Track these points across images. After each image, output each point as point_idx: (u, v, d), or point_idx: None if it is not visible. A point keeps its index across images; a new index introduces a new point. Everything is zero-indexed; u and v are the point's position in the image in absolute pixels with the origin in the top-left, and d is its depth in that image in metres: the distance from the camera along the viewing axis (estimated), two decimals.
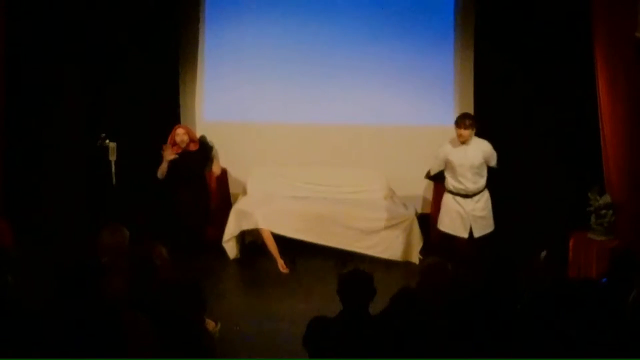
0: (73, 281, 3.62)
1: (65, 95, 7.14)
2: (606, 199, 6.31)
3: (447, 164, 6.41)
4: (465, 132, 6.23)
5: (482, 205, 6.39)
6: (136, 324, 3.48)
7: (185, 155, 6.75)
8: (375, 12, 7.61)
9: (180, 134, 6.75)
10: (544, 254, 4.29)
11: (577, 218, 6.56)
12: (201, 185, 6.93)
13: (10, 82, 6.78)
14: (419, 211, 7.50)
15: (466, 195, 6.37)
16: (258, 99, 7.72)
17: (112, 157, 6.53)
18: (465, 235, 6.43)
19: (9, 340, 3.39)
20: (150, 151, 6.98)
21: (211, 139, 7.60)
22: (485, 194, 6.42)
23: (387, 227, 7.00)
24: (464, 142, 6.27)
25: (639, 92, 6.11)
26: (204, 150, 6.89)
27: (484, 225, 6.43)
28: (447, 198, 6.51)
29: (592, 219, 6.37)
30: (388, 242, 7.00)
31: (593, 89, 6.46)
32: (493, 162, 6.37)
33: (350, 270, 3.81)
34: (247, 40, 7.66)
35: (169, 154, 6.66)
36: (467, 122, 6.26)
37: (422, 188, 7.76)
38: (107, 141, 6.53)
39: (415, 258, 7.04)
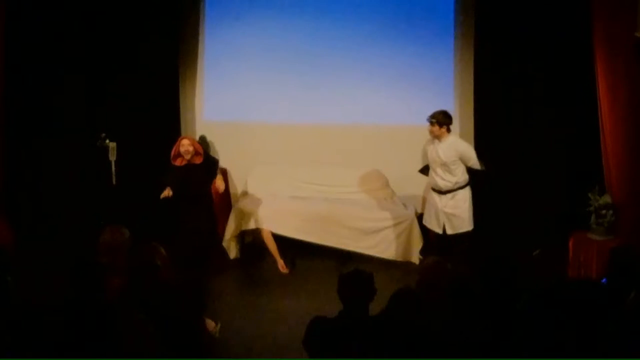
0: (73, 281, 3.62)
1: (66, 96, 7.14)
2: (606, 199, 6.31)
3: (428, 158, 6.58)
4: (431, 128, 6.38)
5: (454, 203, 6.43)
6: (136, 324, 3.48)
7: (189, 168, 6.52)
8: (375, 12, 7.60)
9: (185, 145, 6.51)
10: (537, 252, 4.30)
11: (577, 218, 6.56)
12: (207, 203, 6.65)
13: (11, 82, 6.79)
14: (419, 211, 7.48)
15: (439, 191, 6.46)
16: (258, 99, 7.70)
17: (112, 157, 6.52)
18: (439, 230, 6.53)
19: (9, 340, 3.39)
20: (150, 151, 6.98)
21: (211, 139, 7.64)
22: (460, 193, 6.42)
23: (387, 227, 7.00)
24: (435, 138, 6.39)
25: (639, 92, 6.11)
26: (208, 165, 6.65)
27: (456, 223, 6.46)
28: (429, 193, 6.69)
29: (592, 219, 6.37)
30: (388, 242, 7.00)
31: (593, 89, 6.45)
32: (470, 163, 6.38)
33: (351, 270, 3.81)
34: (247, 40, 7.66)
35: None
36: (432, 119, 6.40)
37: (422, 188, 7.73)
38: (107, 141, 6.52)
39: (415, 258, 7.04)
